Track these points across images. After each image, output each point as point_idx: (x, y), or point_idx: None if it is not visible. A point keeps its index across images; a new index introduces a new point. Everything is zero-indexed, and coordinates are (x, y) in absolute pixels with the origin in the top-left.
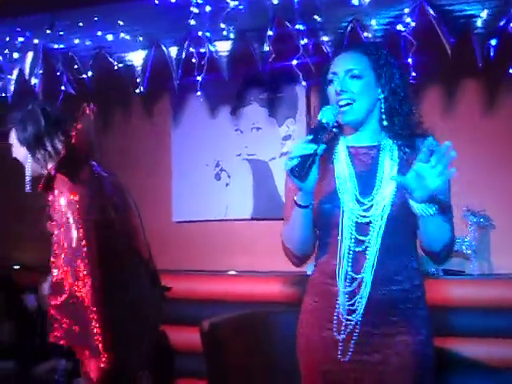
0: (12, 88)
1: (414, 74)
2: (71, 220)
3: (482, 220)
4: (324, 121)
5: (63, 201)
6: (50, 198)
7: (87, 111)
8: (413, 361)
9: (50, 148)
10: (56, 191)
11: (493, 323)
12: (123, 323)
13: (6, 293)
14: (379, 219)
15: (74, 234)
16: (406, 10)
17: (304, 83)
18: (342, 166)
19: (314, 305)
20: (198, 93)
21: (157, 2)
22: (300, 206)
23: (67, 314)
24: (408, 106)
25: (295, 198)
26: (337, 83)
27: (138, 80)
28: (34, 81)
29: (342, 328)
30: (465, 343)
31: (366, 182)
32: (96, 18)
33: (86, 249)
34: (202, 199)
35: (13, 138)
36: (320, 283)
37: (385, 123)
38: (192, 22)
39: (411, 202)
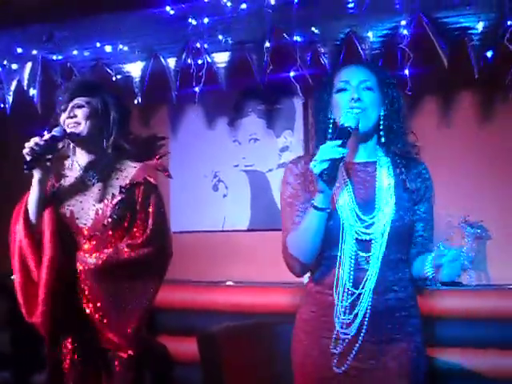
0: (10, 99)
1: (410, 85)
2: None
3: (478, 231)
4: (347, 125)
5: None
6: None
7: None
8: (408, 367)
9: (125, 136)
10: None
11: (490, 334)
12: None
13: (3, 302)
14: (380, 236)
15: None
16: (403, 22)
17: (301, 95)
18: (341, 184)
19: (312, 315)
20: (196, 104)
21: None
22: (318, 208)
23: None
24: (404, 126)
25: (313, 202)
26: (352, 91)
27: (135, 91)
28: (32, 92)
29: (340, 341)
30: (463, 354)
31: (365, 198)
32: (94, 30)
33: None
34: (200, 210)
35: (91, 101)
36: (317, 293)
37: (382, 140)
38: (190, 34)
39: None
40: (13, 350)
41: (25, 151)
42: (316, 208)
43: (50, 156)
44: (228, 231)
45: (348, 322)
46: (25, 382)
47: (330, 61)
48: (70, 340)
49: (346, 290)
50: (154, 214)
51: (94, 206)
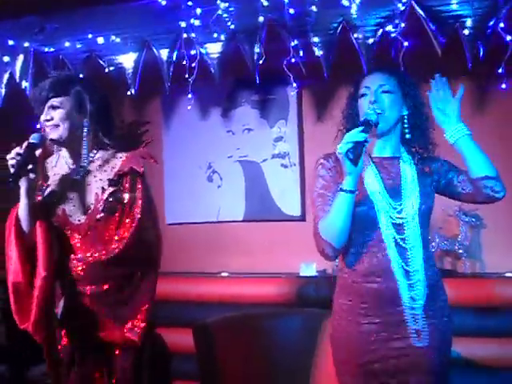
0: (3, 91)
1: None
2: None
3: (473, 219)
4: (369, 118)
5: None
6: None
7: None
8: (440, 341)
9: (111, 129)
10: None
11: (485, 322)
12: None
13: None
14: (411, 219)
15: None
16: (396, 11)
17: (295, 85)
18: (370, 174)
19: (349, 304)
20: (190, 95)
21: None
22: (347, 191)
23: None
24: (427, 124)
25: (341, 186)
26: (370, 95)
27: (128, 82)
28: (24, 84)
29: (406, 318)
30: (457, 342)
31: (393, 187)
32: (86, 21)
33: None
34: (195, 201)
35: (65, 101)
36: (353, 283)
37: (407, 136)
38: (183, 25)
39: (448, 135)
40: (9, 343)
41: (9, 163)
42: (344, 190)
43: (31, 165)
44: (223, 222)
45: (413, 297)
46: (21, 375)
47: (324, 50)
48: (68, 338)
49: (400, 268)
50: (142, 202)
51: (87, 201)
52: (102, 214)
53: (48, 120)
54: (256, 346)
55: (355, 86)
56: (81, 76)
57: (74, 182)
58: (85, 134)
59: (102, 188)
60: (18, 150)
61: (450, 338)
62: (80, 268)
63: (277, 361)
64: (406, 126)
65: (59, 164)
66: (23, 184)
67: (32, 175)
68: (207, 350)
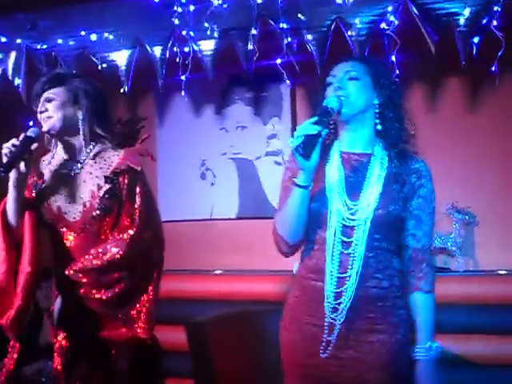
0: None
1: (397, 71)
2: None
3: (466, 217)
4: (329, 106)
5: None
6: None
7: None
8: (388, 359)
9: (105, 124)
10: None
11: (478, 320)
12: None
13: None
14: (363, 223)
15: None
16: (390, 9)
17: (288, 82)
18: (333, 170)
19: (295, 299)
20: (183, 92)
21: None
22: (299, 186)
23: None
24: (401, 114)
25: (295, 180)
26: (335, 82)
27: (122, 80)
28: (17, 81)
29: (326, 325)
30: (449, 340)
31: (354, 186)
32: (79, 18)
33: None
34: (188, 199)
35: (59, 93)
36: (302, 278)
37: (378, 127)
38: (176, 22)
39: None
40: (2, 340)
41: (3, 152)
42: (298, 185)
43: (24, 158)
44: (216, 219)
45: (337, 307)
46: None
47: (317, 47)
48: (63, 337)
49: (332, 274)
50: (141, 201)
51: (81, 198)
52: (98, 212)
53: (42, 112)
54: (250, 343)
55: (323, 77)
56: (76, 72)
57: (70, 179)
58: (80, 126)
59: (98, 185)
60: (14, 141)
61: (401, 359)
62: (78, 269)
63: (270, 358)
64: (377, 115)
65: (54, 161)
66: (13, 175)
67: (23, 168)
68: (201, 347)
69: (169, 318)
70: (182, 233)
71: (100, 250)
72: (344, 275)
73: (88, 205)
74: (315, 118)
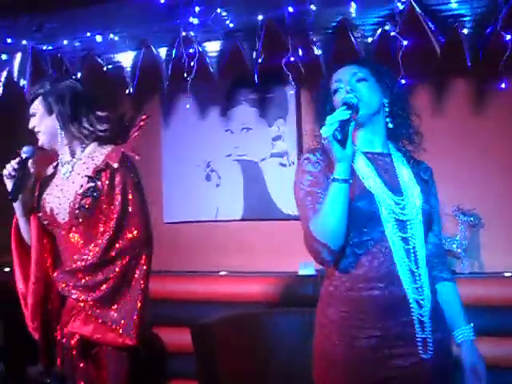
0: (0, 90)
1: (403, 73)
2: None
3: (472, 219)
4: (350, 101)
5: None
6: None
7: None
8: (446, 355)
9: (86, 123)
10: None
11: (483, 322)
12: None
13: None
14: (415, 216)
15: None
16: (396, 10)
17: (294, 84)
18: (363, 168)
19: (345, 316)
20: (188, 94)
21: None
22: (339, 180)
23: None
24: (408, 110)
25: (333, 175)
26: (344, 86)
27: (127, 81)
28: (22, 82)
29: (415, 323)
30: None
31: (391, 183)
32: (85, 20)
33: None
34: (193, 200)
35: (37, 107)
36: (347, 290)
37: (390, 126)
38: (181, 23)
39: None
40: (6, 341)
41: (4, 173)
42: (337, 180)
43: (27, 177)
44: (221, 221)
45: (420, 303)
46: (19, 375)
47: (323, 49)
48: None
49: (407, 269)
50: (120, 200)
51: (69, 199)
52: (78, 212)
53: (32, 128)
54: (254, 345)
55: (326, 84)
56: (48, 78)
57: (63, 181)
58: (59, 132)
59: (81, 185)
60: (13, 164)
61: (451, 354)
62: (63, 271)
63: (275, 360)
64: (386, 114)
65: (57, 166)
66: (18, 206)
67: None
68: (205, 349)
69: (173, 319)
70: (187, 234)
71: (83, 253)
72: (415, 270)
73: (72, 205)
74: (343, 107)
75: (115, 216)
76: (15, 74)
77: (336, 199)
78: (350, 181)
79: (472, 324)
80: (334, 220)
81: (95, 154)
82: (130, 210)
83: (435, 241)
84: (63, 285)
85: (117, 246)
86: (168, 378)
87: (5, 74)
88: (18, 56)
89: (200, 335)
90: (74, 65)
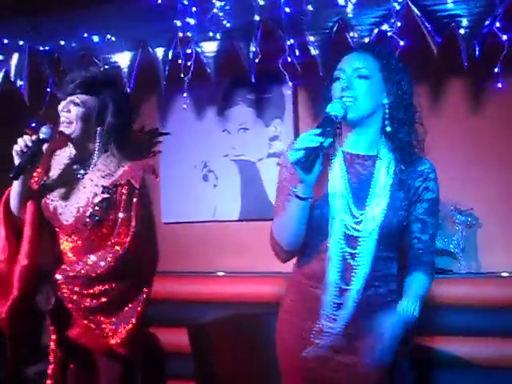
0: None
1: None
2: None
3: (469, 219)
4: (333, 114)
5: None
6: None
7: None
8: (381, 363)
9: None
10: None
11: (480, 322)
12: None
13: None
14: (368, 235)
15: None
16: (392, 10)
17: (291, 84)
18: (336, 174)
19: (291, 304)
20: (185, 94)
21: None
22: (300, 197)
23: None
24: (412, 115)
25: (295, 190)
26: (343, 80)
27: (124, 81)
28: (19, 83)
29: (323, 332)
30: (452, 342)
31: (359, 193)
32: (82, 20)
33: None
34: (191, 200)
35: (87, 100)
36: (299, 283)
37: (388, 129)
38: (178, 24)
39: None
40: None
41: (15, 149)
42: (298, 197)
43: (35, 158)
44: (219, 221)
45: (334, 317)
46: (16, 375)
47: (319, 49)
48: (55, 341)
49: (335, 286)
50: (136, 218)
51: (78, 203)
52: (88, 220)
53: (65, 111)
54: (252, 345)
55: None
56: (110, 78)
57: (72, 182)
58: (97, 142)
59: (95, 193)
60: (27, 140)
61: (394, 363)
62: (66, 275)
63: (273, 360)
64: (386, 116)
65: (65, 160)
66: (19, 184)
67: (30, 166)
68: (203, 349)
69: (171, 319)
70: (184, 234)
71: (89, 260)
72: (346, 287)
73: (81, 210)
74: (317, 130)
75: (130, 235)
76: (12, 74)
77: (293, 212)
78: (309, 199)
79: (417, 303)
80: (290, 228)
81: (112, 165)
82: (144, 233)
83: (420, 246)
84: (64, 289)
85: (126, 264)
86: (165, 379)
87: (1, 74)
88: (15, 56)
89: (197, 335)
90: (70, 65)
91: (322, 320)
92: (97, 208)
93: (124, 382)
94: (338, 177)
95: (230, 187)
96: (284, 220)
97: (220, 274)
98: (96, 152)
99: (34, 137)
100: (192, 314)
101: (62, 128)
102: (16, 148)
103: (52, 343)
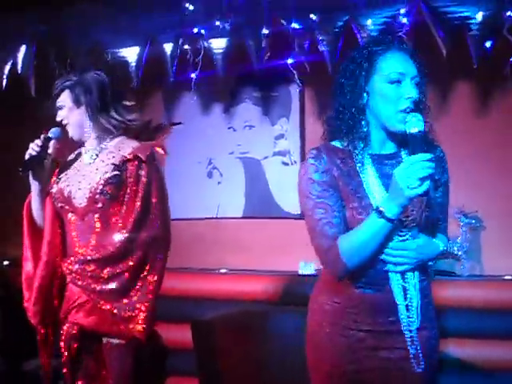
0: (4, 82)
1: None
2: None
3: (473, 221)
4: (416, 130)
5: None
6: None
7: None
8: (432, 353)
9: (115, 114)
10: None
11: (483, 324)
12: None
13: None
14: (414, 226)
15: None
16: (402, 11)
17: (299, 82)
18: (368, 175)
19: (336, 306)
20: (192, 90)
21: None
22: (388, 219)
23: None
24: (427, 110)
25: (381, 209)
26: (408, 88)
27: (131, 76)
28: (26, 74)
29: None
30: (455, 344)
31: None
32: (90, 14)
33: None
34: (194, 197)
35: (64, 99)
36: (345, 285)
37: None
38: (187, 19)
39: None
40: (5, 335)
41: (28, 151)
42: (385, 218)
43: (44, 156)
44: (222, 218)
45: (412, 319)
46: (17, 369)
47: (329, 48)
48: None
49: (399, 286)
50: (142, 192)
51: (90, 184)
52: (98, 196)
53: (60, 120)
54: (254, 343)
55: (368, 59)
56: (74, 69)
57: (85, 167)
58: (88, 124)
59: (105, 172)
60: (38, 141)
61: (437, 351)
62: (77, 260)
63: (274, 358)
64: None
65: (81, 151)
66: (34, 183)
67: (42, 164)
68: (205, 346)
69: (174, 316)
70: (188, 231)
71: (99, 243)
72: (404, 284)
73: (93, 190)
74: (425, 156)
75: (137, 211)
76: (19, 66)
77: (376, 235)
78: (395, 222)
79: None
80: (367, 252)
81: (123, 146)
82: (152, 208)
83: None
84: (74, 273)
85: (134, 242)
86: (168, 375)
87: (9, 66)
88: (23, 48)
89: (200, 332)
90: (78, 59)
91: (403, 325)
92: (107, 185)
93: (133, 378)
94: (374, 184)
95: (235, 185)
96: (360, 243)
97: (222, 271)
98: (95, 135)
99: (42, 136)
100: (195, 311)
101: (70, 134)
102: (29, 151)
103: (63, 334)
